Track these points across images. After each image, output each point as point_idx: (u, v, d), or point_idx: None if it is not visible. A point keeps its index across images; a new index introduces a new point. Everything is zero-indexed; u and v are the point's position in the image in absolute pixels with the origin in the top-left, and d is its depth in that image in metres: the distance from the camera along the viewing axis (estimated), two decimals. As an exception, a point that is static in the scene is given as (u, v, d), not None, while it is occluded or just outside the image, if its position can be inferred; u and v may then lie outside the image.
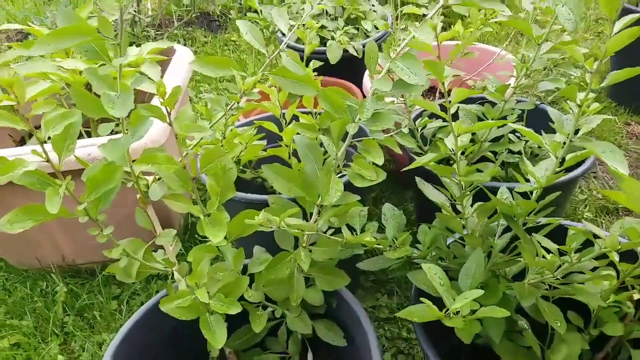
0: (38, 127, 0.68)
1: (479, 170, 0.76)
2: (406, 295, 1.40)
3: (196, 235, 1.57)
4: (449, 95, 0.69)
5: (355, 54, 1.66)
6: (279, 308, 0.90)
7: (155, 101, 1.40)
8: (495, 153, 1.20)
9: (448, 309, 0.67)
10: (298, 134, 0.84)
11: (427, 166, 0.79)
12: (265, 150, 1.21)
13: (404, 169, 0.81)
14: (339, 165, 0.82)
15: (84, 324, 1.36)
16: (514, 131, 1.23)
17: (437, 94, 1.61)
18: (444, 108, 0.76)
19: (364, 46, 1.71)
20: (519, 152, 1.23)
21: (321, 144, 0.84)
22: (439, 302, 0.71)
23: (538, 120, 1.23)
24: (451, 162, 0.80)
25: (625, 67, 0.64)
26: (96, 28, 0.68)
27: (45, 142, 0.62)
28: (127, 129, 0.72)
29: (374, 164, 0.78)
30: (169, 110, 0.69)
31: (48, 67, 1.35)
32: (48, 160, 0.62)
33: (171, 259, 0.88)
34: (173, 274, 0.88)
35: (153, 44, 1.51)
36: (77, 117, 0.61)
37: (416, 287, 0.88)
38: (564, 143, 0.71)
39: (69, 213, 0.69)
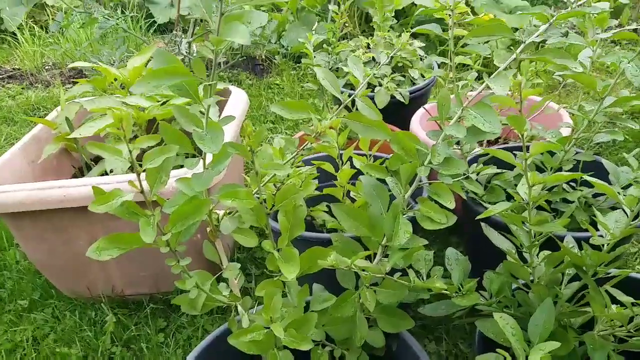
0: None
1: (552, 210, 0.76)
2: (454, 342, 1.37)
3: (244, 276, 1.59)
4: (527, 148, 0.70)
5: (402, 100, 1.70)
6: (338, 348, 0.91)
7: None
8: (549, 202, 1.20)
9: None
10: (358, 174, 0.86)
11: (498, 215, 0.80)
12: (321, 189, 1.23)
13: (478, 217, 0.82)
14: (404, 208, 0.84)
15: (131, 355, 1.37)
16: (569, 181, 1.23)
17: (485, 144, 1.63)
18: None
19: (410, 93, 1.75)
20: (572, 202, 1.23)
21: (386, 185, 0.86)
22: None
23: (590, 171, 1.23)
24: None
25: None
26: (190, 69, 0.73)
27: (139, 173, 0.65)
28: (207, 166, 0.76)
29: (442, 206, 0.80)
30: (252, 149, 0.72)
31: (113, 103, 1.42)
32: (142, 192, 0.66)
33: (235, 292, 0.90)
34: (236, 308, 0.89)
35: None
36: (174, 151, 0.65)
37: (480, 336, 0.87)
38: (640, 197, 0.72)
39: (152, 244, 0.71)
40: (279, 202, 0.77)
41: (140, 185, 0.66)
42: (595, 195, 1.20)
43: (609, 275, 0.83)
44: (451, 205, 0.77)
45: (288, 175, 1.01)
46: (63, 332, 1.44)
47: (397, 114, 1.79)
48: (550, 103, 1.63)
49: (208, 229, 0.92)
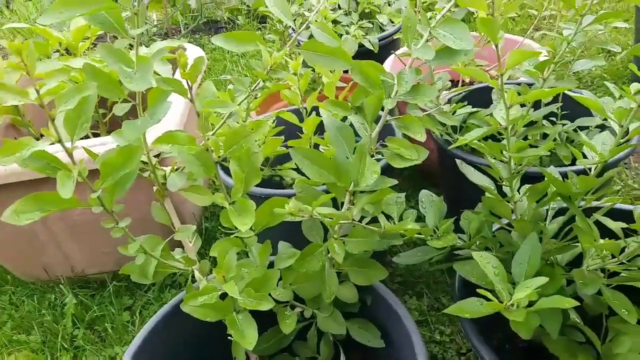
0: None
1: (532, 146, 0.69)
2: (436, 296, 1.31)
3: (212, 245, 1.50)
4: (500, 61, 0.61)
5: (371, 48, 1.60)
6: (309, 308, 0.83)
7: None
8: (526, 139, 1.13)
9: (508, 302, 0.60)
10: (323, 119, 0.77)
11: (472, 145, 0.72)
12: (285, 145, 1.14)
13: (451, 146, 0.73)
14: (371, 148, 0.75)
15: (95, 337, 1.28)
16: (547, 116, 1.16)
17: (460, 86, 1.55)
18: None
19: (379, 40, 1.65)
20: (554, 139, 1.16)
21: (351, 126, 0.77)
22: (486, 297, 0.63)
23: (570, 106, 1.16)
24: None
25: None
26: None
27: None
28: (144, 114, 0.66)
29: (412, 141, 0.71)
30: (190, 84, 0.62)
31: (55, 67, 1.29)
32: (60, 141, 0.55)
33: (191, 256, 0.81)
34: (193, 275, 0.81)
35: (163, 42, 1.45)
36: (92, 90, 0.55)
37: (461, 281, 0.81)
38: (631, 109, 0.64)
39: (80, 203, 0.62)
40: (227, 147, 0.68)
41: (57, 133, 0.56)
42: (576, 130, 1.13)
43: (594, 207, 0.76)
44: (422, 137, 0.69)
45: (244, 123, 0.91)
46: (21, 318, 1.34)
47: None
48: (528, 41, 1.55)
49: (155, 188, 0.82)
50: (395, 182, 0.71)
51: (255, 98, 0.83)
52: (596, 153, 0.66)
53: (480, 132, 0.67)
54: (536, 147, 0.96)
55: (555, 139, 1.14)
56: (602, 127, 1.15)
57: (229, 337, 0.82)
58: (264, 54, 0.69)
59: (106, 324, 1.29)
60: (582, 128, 1.17)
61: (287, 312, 0.78)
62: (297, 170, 1.27)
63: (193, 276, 0.82)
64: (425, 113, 0.76)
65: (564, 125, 1.11)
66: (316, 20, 0.70)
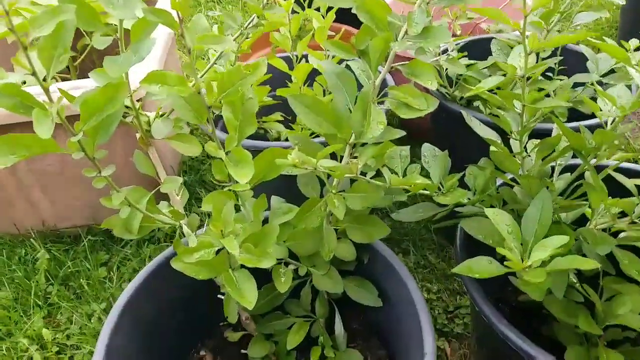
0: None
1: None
2: (422, 254, 1.30)
3: (192, 201, 1.44)
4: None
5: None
6: (304, 265, 0.79)
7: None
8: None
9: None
10: (321, 64, 0.71)
11: (484, 95, 0.68)
12: (273, 95, 1.08)
13: (468, 94, 0.69)
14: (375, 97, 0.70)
15: (70, 294, 1.23)
16: (544, 72, 1.12)
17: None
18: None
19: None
20: (548, 95, 1.12)
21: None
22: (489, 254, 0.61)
23: (567, 61, 1.13)
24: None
25: None
26: None
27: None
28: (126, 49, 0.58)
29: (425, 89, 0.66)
30: (180, 16, 0.55)
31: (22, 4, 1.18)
32: (34, 73, 0.48)
33: (179, 209, 0.75)
34: (180, 230, 0.75)
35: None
36: (70, 13, 0.47)
37: (463, 241, 0.78)
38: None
39: (58, 147, 0.55)
40: (221, 91, 0.61)
41: (31, 65, 0.49)
42: (574, 86, 1.09)
43: (603, 165, 0.73)
44: (433, 85, 0.64)
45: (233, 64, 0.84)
46: (-10, 274, 1.27)
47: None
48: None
49: (138, 135, 0.76)
50: (404, 132, 0.67)
51: (247, 38, 0.76)
52: (615, 105, 0.62)
53: (496, 81, 0.63)
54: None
55: (549, 95, 1.11)
56: (598, 84, 1.12)
57: (219, 296, 0.79)
58: (261, -14, 0.62)
59: (81, 280, 1.23)
60: (577, 85, 1.14)
61: (282, 270, 0.74)
62: (283, 123, 1.21)
63: (175, 231, 0.77)
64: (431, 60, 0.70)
65: (560, 80, 1.07)
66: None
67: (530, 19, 0.94)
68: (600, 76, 1.12)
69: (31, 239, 1.32)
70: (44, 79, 0.50)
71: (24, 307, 1.19)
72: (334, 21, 1.54)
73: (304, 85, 1.08)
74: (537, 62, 1.04)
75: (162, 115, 0.73)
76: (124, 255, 1.30)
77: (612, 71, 1.09)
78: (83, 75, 1.39)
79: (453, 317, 1.16)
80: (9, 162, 0.53)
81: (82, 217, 1.32)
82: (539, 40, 0.97)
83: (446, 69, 1.07)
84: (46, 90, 0.50)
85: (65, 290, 1.24)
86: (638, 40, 0.81)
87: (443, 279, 1.24)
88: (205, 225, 0.76)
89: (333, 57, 1.01)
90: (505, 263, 0.55)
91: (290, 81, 1.08)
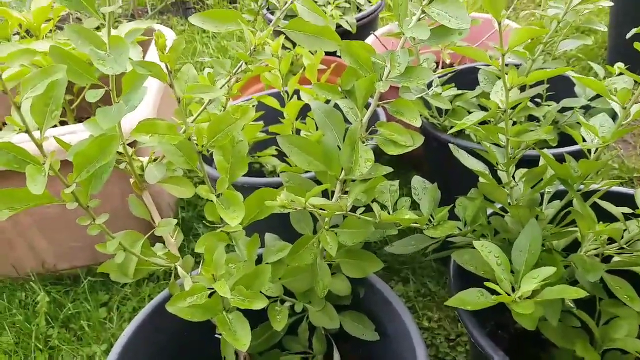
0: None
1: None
2: (422, 282, 1.30)
3: (190, 237, 1.45)
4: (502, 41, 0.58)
5: (349, 29, 1.56)
6: (299, 302, 0.79)
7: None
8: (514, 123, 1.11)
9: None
10: (307, 109, 0.73)
11: (468, 130, 0.69)
12: (266, 130, 1.10)
13: (450, 131, 0.70)
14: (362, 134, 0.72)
15: (71, 336, 1.22)
16: (533, 98, 1.14)
17: (440, 69, 1.52)
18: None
19: (357, 20, 1.60)
20: (538, 120, 1.14)
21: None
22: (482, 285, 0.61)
23: (554, 87, 1.14)
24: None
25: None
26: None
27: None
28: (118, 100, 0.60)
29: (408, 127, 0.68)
30: (169, 68, 0.57)
31: (17, 49, 1.21)
32: (27, 131, 0.50)
33: (173, 252, 0.76)
34: (175, 271, 0.76)
35: (131, 24, 1.38)
36: (61, 73, 0.49)
37: (456, 270, 0.78)
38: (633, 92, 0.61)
39: (52, 199, 0.56)
40: (211, 136, 0.63)
41: (24, 122, 0.50)
42: (564, 110, 1.11)
43: (592, 190, 0.74)
44: (417, 122, 0.65)
45: (224, 109, 0.86)
46: (-10, 318, 1.27)
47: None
48: (507, 21, 1.52)
49: (132, 180, 0.77)
50: (390, 169, 0.68)
51: (237, 81, 0.78)
52: (597, 136, 0.64)
53: (479, 116, 0.64)
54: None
55: (539, 120, 1.13)
56: (586, 108, 1.13)
57: (216, 336, 0.79)
58: (247, 34, 0.64)
59: (82, 322, 1.23)
60: (565, 109, 1.16)
61: (278, 307, 0.75)
62: (278, 157, 1.22)
63: (171, 271, 0.77)
64: (417, 96, 0.72)
65: (548, 106, 1.09)
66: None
67: (515, 49, 0.97)
68: (588, 100, 1.14)
69: (31, 282, 1.32)
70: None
71: (25, 352, 1.19)
72: (326, 54, 1.58)
73: (296, 119, 1.10)
74: (522, 90, 1.06)
75: (155, 160, 0.74)
76: (123, 294, 1.30)
77: (598, 95, 1.11)
78: (81, 113, 1.42)
79: (455, 345, 1.15)
80: (3, 216, 0.54)
81: (82, 258, 1.33)
82: (524, 70, 0.99)
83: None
84: (39, 147, 0.51)
85: (66, 332, 1.23)
86: (623, 64, 0.83)
87: (443, 307, 1.24)
88: (200, 264, 0.77)
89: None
90: (494, 297, 0.55)
91: (283, 116, 1.10)
